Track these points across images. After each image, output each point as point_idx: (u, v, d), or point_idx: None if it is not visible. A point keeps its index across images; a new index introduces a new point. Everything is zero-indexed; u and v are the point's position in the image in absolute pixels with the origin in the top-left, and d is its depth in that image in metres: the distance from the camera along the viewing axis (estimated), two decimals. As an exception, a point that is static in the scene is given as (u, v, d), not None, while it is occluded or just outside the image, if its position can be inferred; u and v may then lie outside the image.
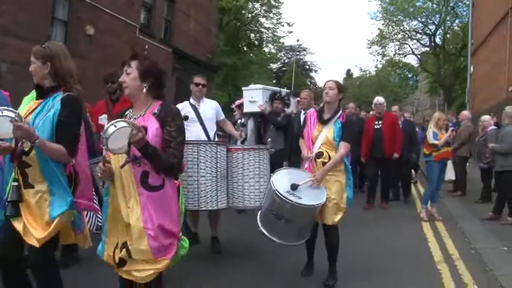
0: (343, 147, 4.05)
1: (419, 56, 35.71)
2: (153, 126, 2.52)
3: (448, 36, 33.10)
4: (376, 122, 8.14)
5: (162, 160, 2.48)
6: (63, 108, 2.68)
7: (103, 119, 5.14)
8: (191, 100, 5.19)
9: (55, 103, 2.71)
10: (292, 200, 3.72)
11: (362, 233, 6.23)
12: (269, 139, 6.31)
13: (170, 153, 2.52)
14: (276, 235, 3.94)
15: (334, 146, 4.08)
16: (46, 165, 2.66)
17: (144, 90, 2.62)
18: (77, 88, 2.84)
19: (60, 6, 13.49)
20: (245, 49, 34.27)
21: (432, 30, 33.06)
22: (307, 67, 49.56)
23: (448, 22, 32.44)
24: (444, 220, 7.13)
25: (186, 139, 4.46)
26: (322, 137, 4.11)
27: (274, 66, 47.33)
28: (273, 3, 33.61)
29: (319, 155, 4.11)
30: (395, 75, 42.78)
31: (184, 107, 4.98)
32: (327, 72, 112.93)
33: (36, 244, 2.59)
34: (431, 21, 32.64)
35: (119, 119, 2.39)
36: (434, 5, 31.57)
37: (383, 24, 34.29)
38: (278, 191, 3.78)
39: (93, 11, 14.35)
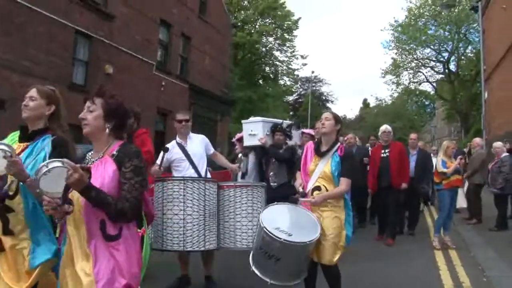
0: (344, 183, 3.82)
1: (433, 84, 35.82)
2: (109, 169, 2.31)
3: (462, 62, 33.23)
4: (383, 151, 7.90)
5: (108, 205, 2.22)
6: (54, 149, 2.64)
7: None
8: (178, 139, 5.02)
9: (44, 145, 2.67)
10: (280, 238, 3.46)
11: (374, 262, 6.27)
12: (271, 173, 6.41)
13: (121, 197, 2.27)
14: (269, 275, 3.68)
15: (332, 180, 3.84)
16: (33, 211, 2.56)
17: (107, 130, 2.41)
18: (64, 130, 2.82)
19: (81, 47, 14.14)
20: (260, 82, 34.89)
21: (446, 57, 33.33)
22: (324, 97, 50.01)
23: (461, 49, 32.70)
24: (457, 248, 7.11)
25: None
26: (318, 171, 3.88)
27: (290, 98, 47.87)
28: (287, 36, 34.39)
29: (316, 189, 3.86)
30: (411, 103, 42.80)
31: (171, 148, 4.85)
32: (343, 102, 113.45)
33: None
34: (444, 49, 32.99)
35: (53, 159, 2.18)
36: (446, 33, 31.89)
37: (396, 53, 34.71)
38: (266, 229, 3.53)
39: (112, 51, 14.99)
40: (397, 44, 34.16)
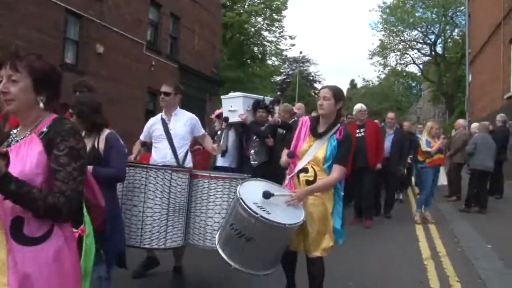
0: (338, 170, 3.31)
1: (420, 66, 36.30)
2: (34, 151, 1.77)
3: (448, 45, 33.68)
4: (358, 130, 7.44)
5: (34, 201, 1.67)
6: None
7: None
8: (163, 114, 4.55)
9: None
10: (257, 213, 2.96)
11: (355, 238, 6.67)
12: (252, 151, 6.25)
13: (57, 189, 1.74)
14: (235, 258, 3.15)
15: (322, 166, 3.35)
16: None
17: (41, 105, 1.86)
18: None
19: (72, 27, 14.18)
20: (249, 62, 35.00)
21: (432, 40, 33.71)
22: (311, 78, 50.27)
23: (448, 32, 33.11)
24: (437, 223, 7.58)
25: (153, 158, 4.37)
26: (311, 154, 3.36)
27: (278, 78, 48.04)
28: (275, 16, 34.41)
29: (303, 171, 3.38)
30: (398, 84, 43.31)
31: (154, 122, 4.54)
32: (330, 82, 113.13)
33: None
34: (431, 31, 33.33)
35: None
36: (433, 15, 32.22)
37: (383, 35, 34.98)
38: (243, 200, 3.04)
39: (102, 30, 15.04)
40: (385, 25, 34.43)
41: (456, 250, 5.89)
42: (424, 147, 7.63)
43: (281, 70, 46.87)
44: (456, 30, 32.66)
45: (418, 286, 4.55)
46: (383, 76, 41.10)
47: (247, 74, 31.38)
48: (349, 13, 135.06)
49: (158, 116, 4.57)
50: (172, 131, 4.39)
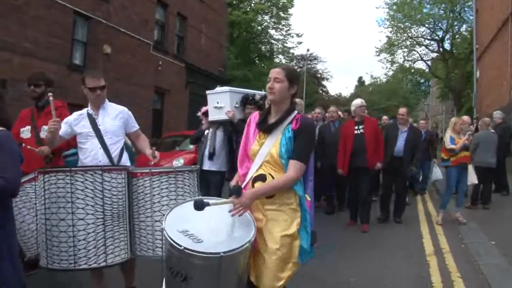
0: (294, 168, 2.57)
1: (428, 62, 36.11)
2: None
3: (456, 41, 33.45)
4: (356, 127, 6.99)
5: None
6: None
7: (25, 131, 4.33)
8: (89, 108, 3.83)
9: None
10: (181, 245, 2.27)
11: (358, 235, 6.75)
12: None
13: None
14: None
15: (281, 167, 2.63)
16: None
17: None
18: None
19: (79, 28, 14.37)
20: (256, 61, 35.07)
21: (440, 36, 33.47)
22: (319, 75, 50.15)
23: (456, 27, 32.85)
24: (442, 220, 7.60)
25: (81, 161, 3.72)
26: (263, 153, 2.65)
27: (285, 76, 47.95)
28: (282, 14, 34.44)
29: (259, 179, 2.64)
30: (406, 81, 43.13)
31: (77, 118, 3.78)
32: (338, 80, 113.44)
33: None
34: (439, 27, 33.11)
35: None
36: (441, 11, 32.01)
37: (391, 32, 34.81)
38: (165, 230, 2.40)
39: (110, 31, 15.21)
40: (392, 22, 34.27)
41: (459, 247, 5.93)
42: (448, 144, 7.21)
43: (289, 68, 46.84)
44: (464, 26, 32.40)
45: (420, 281, 4.61)
46: (391, 73, 40.94)
47: (255, 72, 31.44)
48: (355, 10, 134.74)
49: (83, 111, 3.82)
50: (101, 127, 3.74)
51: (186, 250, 2.25)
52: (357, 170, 6.85)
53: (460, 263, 5.15)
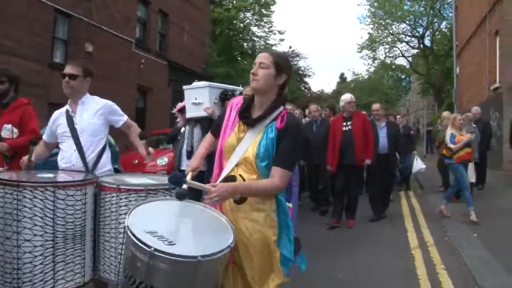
0: (280, 177, 2.22)
1: (409, 59, 36.58)
2: None
3: (436, 37, 33.95)
4: (345, 123, 6.84)
5: None
6: None
7: None
8: (68, 105, 3.44)
9: None
10: (151, 246, 1.87)
11: (343, 231, 6.83)
12: None
13: None
14: None
15: (255, 169, 2.26)
16: None
17: None
18: None
19: (60, 26, 14.17)
20: (238, 58, 35.02)
21: (421, 33, 33.95)
22: (301, 72, 50.28)
23: (436, 24, 33.39)
24: (425, 214, 7.76)
25: (58, 161, 3.30)
26: (241, 150, 2.29)
27: (268, 73, 48.03)
28: (264, 12, 34.43)
29: (230, 180, 2.28)
30: (388, 77, 43.55)
31: (57, 117, 3.43)
32: (321, 76, 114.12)
33: None
34: (419, 24, 33.59)
35: None
36: (421, 8, 32.46)
37: (372, 28, 35.15)
38: (130, 230, 1.98)
39: (91, 29, 15.04)
40: (373, 19, 34.61)
41: (443, 239, 6.07)
42: (447, 142, 7.03)
43: (271, 65, 46.92)
44: (444, 22, 32.98)
45: (405, 274, 4.71)
46: (372, 69, 41.36)
47: (237, 70, 31.39)
48: (337, 7, 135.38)
49: (63, 108, 3.46)
50: (78, 125, 3.30)
51: (156, 253, 1.86)
52: (346, 168, 6.74)
53: (444, 256, 5.28)
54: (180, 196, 2.14)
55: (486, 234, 6.05)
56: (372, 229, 6.80)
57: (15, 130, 3.84)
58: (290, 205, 2.40)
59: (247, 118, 2.32)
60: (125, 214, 2.70)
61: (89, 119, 3.33)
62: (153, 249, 1.86)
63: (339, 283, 4.50)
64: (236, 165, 2.29)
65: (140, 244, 1.89)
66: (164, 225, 2.11)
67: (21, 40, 12.10)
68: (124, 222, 2.53)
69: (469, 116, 9.10)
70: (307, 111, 8.42)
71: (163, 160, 10.73)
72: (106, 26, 15.75)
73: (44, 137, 3.50)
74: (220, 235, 2.10)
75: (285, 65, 2.35)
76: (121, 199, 2.81)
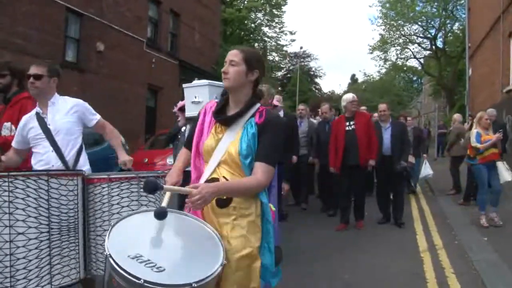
0: (262, 172, 2.11)
1: (421, 60, 36.33)
2: None
3: (448, 39, 33.68)
4: (347, 123, 6.68)
5: None
6: None
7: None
8: (37, 107, 3.35)
9: None
10: (139, 277, 1.67)
11: (352, 232, 6.78)
12: None
13: None
14: None
15: (240, 168, 2.16)
16: None
17: None
18: None
19: (72, 25, 14.28)
20: (249, 58, 35.14)
21: (433, 34, 33.70)
22: (312, 73, 50.21)
23: (448, 26, 33.10)
24: (435, 216, 7.67)
25: (33, 164, 3.21)
26: (220, 151, 2.18)
27: (279, 73, 48.07)
28: (275, 12, 34.46)
29: (212, 182, 2.12)
30: (399, 78, 43.32)
31: (27, 121, 3.30)
32: (332, 77, 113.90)
33: None
34: (431, 25, 33.34)
35: None
36: (434, 9, 32.21)
37: (384, 29, 34.97)
38: (112, 258, 1.75)
39: (103, 28, 15.13)
40: (385, 20, 34.43)
41: (452, 243, 5.98)
42: (473, 141, 6.76)
43: (282, 66, 46.89)
44: (457, 24, 32.66)
45: (414, 277, 4.65)
46: (383, 70, 41.16)
47: (248, 70, 31.48)
48: (348, 8, 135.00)
49: (32, 111, 3.36)
50: (51, 126, 3.24)
51: (147, 284, 1.66)
52: (350, 168, 6.58)
53: (453, 259, 5.20)
54: (159, 216, 1.92)
55: (496, 237, 5.96)
56: (381, 231, 6.74)
57: (13, 128, 3.71)
58: (273, 208, 2.28)
59: (224, 117, 2.24)
60: (117, 204, 2.75)
61: (62, 118, 3.29)
62: (142, 280, 1.66)
63: (345, 284, 4.44)
64: (218, 166, 2.17)
65: (129, 277, 1.68)
66: (147, 244, 1.91)
67: (31, 39, 12.21)
68: (117, 213, 2.66)
69: (493, 113, 8.65)
70: (319, 111, 8.39)
71: (172, 159, 10.73)
72: (117, 25, 15.86)
73: (13, 144, 3.36)
74: (209, 251, 1.95)
75: (256, 60, 2.27)
76: (112, 189, 2.76)
